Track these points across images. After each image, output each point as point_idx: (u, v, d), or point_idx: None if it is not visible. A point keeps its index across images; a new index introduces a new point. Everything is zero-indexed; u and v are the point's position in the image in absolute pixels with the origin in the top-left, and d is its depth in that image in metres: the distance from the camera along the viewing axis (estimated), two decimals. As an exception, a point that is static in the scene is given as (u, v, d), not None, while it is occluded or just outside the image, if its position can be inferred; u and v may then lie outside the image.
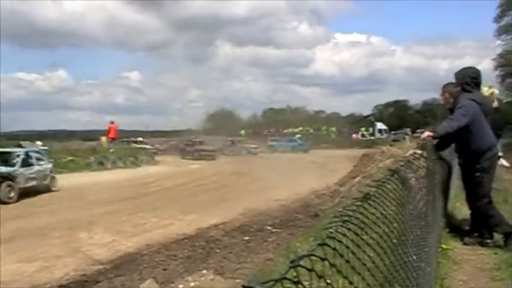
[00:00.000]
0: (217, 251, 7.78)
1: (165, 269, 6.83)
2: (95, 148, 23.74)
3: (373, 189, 1.62)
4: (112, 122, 26.91)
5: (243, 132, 49.23)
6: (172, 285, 5.18)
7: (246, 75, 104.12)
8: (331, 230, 1.13)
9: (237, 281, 5.32)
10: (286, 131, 51.64)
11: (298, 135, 43.24)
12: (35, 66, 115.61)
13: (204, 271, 5.49)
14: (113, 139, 26.24)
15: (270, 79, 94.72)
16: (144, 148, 28.92)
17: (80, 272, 6.60)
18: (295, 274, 0.79)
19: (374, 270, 1.38)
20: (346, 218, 1.30)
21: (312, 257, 0.85)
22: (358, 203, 1.45)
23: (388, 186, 1.81)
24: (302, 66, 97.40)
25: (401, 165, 2.23)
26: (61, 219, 9.99)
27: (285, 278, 0.78)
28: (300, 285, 0.78)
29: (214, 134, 42.91)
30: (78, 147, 24.00)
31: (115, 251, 7.65)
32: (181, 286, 4.90)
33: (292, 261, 0.81)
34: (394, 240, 1.69)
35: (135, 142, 30.92)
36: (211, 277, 5.04)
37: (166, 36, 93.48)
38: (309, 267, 0.83)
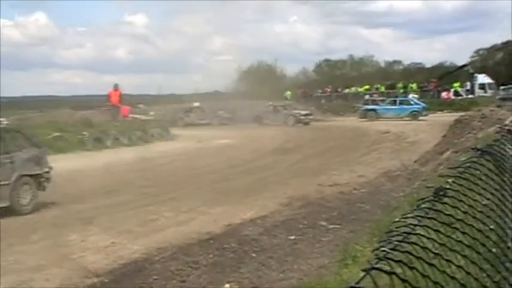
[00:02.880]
0: (253, 255, 7.74)
1: (183, 281, 6.83)
2: (90, 120, 24.15)
3: (465, 173, 1.61)
4: (116, 86, 27.51)
5: (288, 94, 49.12)
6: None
7: (292, 14, 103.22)
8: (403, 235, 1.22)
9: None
10: (347, 90, 51.11)
11: (412, 95, 42.30)
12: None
13: (235, 284, 5.46)
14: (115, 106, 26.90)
15: (324, 19, 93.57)
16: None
17: (68, 288, 6.70)
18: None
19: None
20: (425, 214, 1.40)
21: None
22: (444, 192, 1.55)
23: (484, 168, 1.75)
24: (369, 0, 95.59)
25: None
26: (44, 215, 10.20)
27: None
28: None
29: (250, 97, 42.97)
30: (67, 119, 24.50)
31: (116, 257, 7.68)
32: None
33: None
34: (494, 250, 1.70)
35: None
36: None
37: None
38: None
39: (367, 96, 45.97)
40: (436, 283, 1.21)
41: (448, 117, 28.24)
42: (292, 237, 8.49)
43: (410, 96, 41.25)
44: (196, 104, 39.20)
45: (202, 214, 10.20)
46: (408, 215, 1.49)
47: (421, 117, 34.08)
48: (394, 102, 37.48)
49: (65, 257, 7.73)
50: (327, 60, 67.58)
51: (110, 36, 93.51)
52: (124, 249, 8.07)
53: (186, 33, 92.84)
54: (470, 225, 1.59)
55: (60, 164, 16.64)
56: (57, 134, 20.90)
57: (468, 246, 1.50)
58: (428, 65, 61.10)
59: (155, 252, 7.91)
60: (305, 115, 36.30)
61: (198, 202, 11.11)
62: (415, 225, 1.39)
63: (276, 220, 9.59)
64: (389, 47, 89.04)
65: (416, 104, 36.86)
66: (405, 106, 36.34)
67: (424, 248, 1.29)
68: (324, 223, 9.31)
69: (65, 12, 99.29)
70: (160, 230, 9.13)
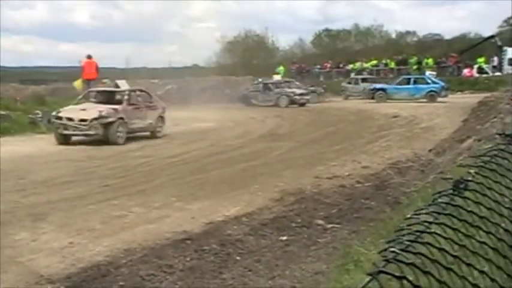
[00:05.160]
0: (238, 258, 7.76)
1: (154, 289, 6.83)
2: (43, 97, 24.00)
3: (490, 162, 1.60)
4: (89, 57, 28.08)
5: (281, 69, 49.18)
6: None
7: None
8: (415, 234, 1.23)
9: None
10: (351, 66, 51.20)
11: (429, 72, 42.43)
12: None
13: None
14: (90, 81, 27.25)
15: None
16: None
17: (16, 298, 6.68)
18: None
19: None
20: (443, 210, 1.29)
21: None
22: (464, 185, 1.55)
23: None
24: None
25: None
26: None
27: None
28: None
29: (236, 73, 42.94)
30: (15, 94, 24.30)
31: (74, 260, 7.65)
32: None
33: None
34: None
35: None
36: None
37: None
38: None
39: (353, 74, 46.20)
40: (454, 291, 1.22)
41: (470, 98, 28.58)
42: (284, 238, 8.52)
43: (427, 73, 41.34)
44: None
45: (177, 210, 10.20)
46: (422, 211, 1.48)
47: (439, 99, 34.18)
48: (407, 81, 37.54)
49: (12, 259, 7.65)
50: (327, 30, 67.71)
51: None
52: (84, 250, 8.04)
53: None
54: (496, 224, 1.60)
55: (6, 148, 16.66)
56: (2, 112, 20.86)
57: (493, 249, 1.50)
58: (447, 37, 61.49)
59: (122, 254, 7.89)
60: (300, 94, 36.33)
61: (172, 196, 11.09)
62: (430, 222, 1.39)
63: (265, 218, 9.60)
64: (401, 15, 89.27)
65: (434, 82, 36.89)
66: (420, 85, 36.48)
67: (440, 249, 1.29)
68: (321, 222, 9.34)
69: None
70: (127, 228, 9.11)
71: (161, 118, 21.68)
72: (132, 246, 8.22)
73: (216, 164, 14.87)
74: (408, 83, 37.03)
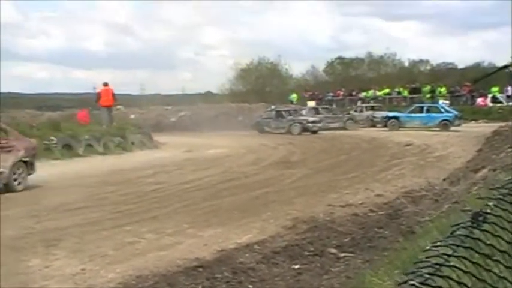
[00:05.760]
0: (250, 287, 7.72)
1: (166, 317, 6.82)
2: (58, 123, 24.18)
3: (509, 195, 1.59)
4: (106, 84, 28.55)
5: (294, 97, 49.36)
6: None
7: (300, 4, 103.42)
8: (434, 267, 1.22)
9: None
10: (363, 94, 51.20)
11: (442, 101, 42.50)
12: None
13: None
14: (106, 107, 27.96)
15: (337, 9, 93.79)
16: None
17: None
18: None
19: None
20: (461, 243, 1.27)
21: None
22: (483, 218, 1.54)
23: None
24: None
25: None
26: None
27: None
28: None
29: (248, 100, 43.11)
30: (31, 121, 24.47)
31: (86, 287, 7.64)
32: None
33: None
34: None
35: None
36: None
37: None
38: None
39: (359, 102, 46.42)
40: (474, 326, 1.19)
41: (484, 127, 28.46)
42: (296, 267, 8.44)
43: (440, 102, 41.31)
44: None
45: (190, 237, 10.16)
46: (441, 243, 1.47)
47: (452, 128, 34.08)
48: (420, 110, 37.44)
49: (25, 286, 7.66)
50: (340, 58, 67.76)
51: (83, 23, 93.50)
52: (96, 277, 8.01)
53: (173, 23, 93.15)
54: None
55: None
56: (18, 138, 20.86)
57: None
58: (461, 66, 61.46)
59: (133, 281, 7.86)
60: (313, 122, 36.44)
61: (185, 223, 11.05)
62: (449, 255, 1.37)
63: (277, 246, 9.52)
64: (415, 43, 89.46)
65: (447, 111, 36.71)
66: (434, 114, 36.21)
67: (460, 283, 1.27)
68: (334, 250, 9.25)
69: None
70: (139, 255, 9.07)
71: (23, 164, 15.64)
72: (144, 273, 8.19)
73: (229, 191, 14.83)
74: (421, 112, 36.89)
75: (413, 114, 36.82)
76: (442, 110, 36.95)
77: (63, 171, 18.08)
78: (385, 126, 36.45)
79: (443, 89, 48.13)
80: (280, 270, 8.30)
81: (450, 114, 36.00)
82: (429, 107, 37.83)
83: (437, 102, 41.07)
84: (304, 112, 39.99)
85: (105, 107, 27.89)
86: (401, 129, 35.14)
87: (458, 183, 12.78)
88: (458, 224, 1.55)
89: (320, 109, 41.38)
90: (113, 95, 28.40)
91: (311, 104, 44.34)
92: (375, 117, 38.87)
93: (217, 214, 11.93)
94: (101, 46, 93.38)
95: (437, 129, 34.15)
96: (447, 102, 42.27)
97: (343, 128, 37.97)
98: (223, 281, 7.90)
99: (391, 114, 38.20)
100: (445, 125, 34.66)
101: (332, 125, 38.19)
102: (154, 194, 14.49)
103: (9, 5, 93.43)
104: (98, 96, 28.26)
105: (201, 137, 32.59)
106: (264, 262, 8.68)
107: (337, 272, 8.17)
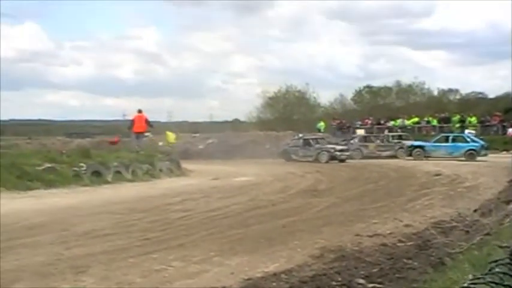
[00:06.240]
0: (277, 317, 7.66)
1: None
2: (88, 149, 24.41)
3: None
4: (140, 111, 29.16)
5: (321, 125, 49.32)
6: None
7: (327, 32, 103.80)
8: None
9: None
10: (392, 122, 50.98)
11: (468, 131, 42.41)
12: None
13: None
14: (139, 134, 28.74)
15: (365, 38, 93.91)
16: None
17: None
18: None
19: None
20: (500, 280, 1.26)
21: None
22: None
23: None
24: (418, 17, 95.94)
25: None
26: (29, 261, 10.21)
27: None
28: None
29: (276, 127, 43.17)
30: (61, 147, 24.73)
31: (114, 314, 7.68)
32: None
33: None
34: None
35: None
36: None
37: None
38: None
39: (362, 131, 46.04)
40: None
41: (515, 158, 28.11)
42: (324, 297, 8.39)
43: (466, 132, 41.12)
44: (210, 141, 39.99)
45: (216, 265, 10.11)
46: (478, 281, 1.45)
47: (478, 158, 33.78)
48: (446, 139, 37.21)
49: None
50: (368, 87, 67.93)
51: (113, 52, 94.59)
52: (123, 304, 8.06)
53: (201, 51, 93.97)
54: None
55: (51, 200, 16.83)
56: (48, 165, 21.03)
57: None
58: (491, 95, 61.07)
59: (161, 309, 7.89)
60: (341, 150, 36.39)
61: (211, 251, 10.99)
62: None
63: (305, 275, 9.43)
64: (444, 73, 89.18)
65: (473, 141, 36.40)
66: (459, 144, 36.00)
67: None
68: (362, 281, 9.15)
69: (61, 23, 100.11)
70: (166, 283, 9.04)
71: None
72: (170, 301, 8.20)
73: (255, 219, 14.78)
74: (447, 141, 36.63)
75: (438, 144, 36.60)
76: (468, 139, 36.68)
77: (92, 197, 18.21)
78: (410, 155, 36.23)
79: (473, 119, 47.60)
80: (307, 301, 8.28)
81: (476, 144, 35.70)
82: (455, 136, 37.59)
83: (463, 132, 40.84)
84: (355, 141, 40.22)
85: (137, 133, 28.42)
86: (429, 159, 34.90)
87: (490, 215, 12.61)
88: (496, 261, 1.53)
89: (372, 137, 41.37)
90: (147, 121, 28.93)
91: (360, 132, 44.28)
92: (400, 147, 38.67)
93: (244, 242, 11.87)
94: (130, 74, 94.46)
95: (463, 159, 33.87)
96: (473, 132, 41.97)
97: (394, 157, 37.70)
98: (250, 310, 7.89)
99: (416, 143, 37.97)
100: (471, 154, 34.37)
101: (384, 154, 38.32)
102: (181, 221, 14.51)
103: (43, 33, 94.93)
104: (132, 122, 28.77)
105: (228, 164, 32.66)
106: (291, 291, 8.66)
107: (365, 303, 8.12)
